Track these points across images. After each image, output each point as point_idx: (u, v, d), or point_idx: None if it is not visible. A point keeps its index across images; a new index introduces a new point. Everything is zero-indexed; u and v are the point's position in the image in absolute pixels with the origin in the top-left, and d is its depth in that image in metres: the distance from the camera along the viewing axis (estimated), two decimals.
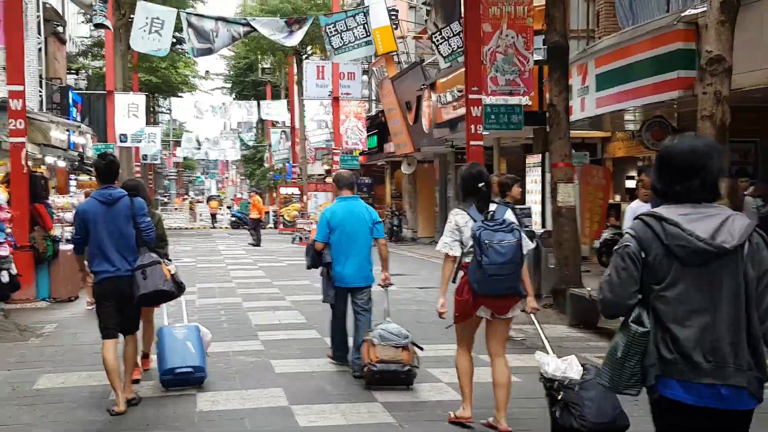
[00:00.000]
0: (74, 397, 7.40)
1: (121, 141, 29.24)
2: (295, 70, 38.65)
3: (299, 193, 37.67)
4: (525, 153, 20.79)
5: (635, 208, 9.15)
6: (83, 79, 39.37)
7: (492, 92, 15.09)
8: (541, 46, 16.93)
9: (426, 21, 16.39)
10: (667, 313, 3.19)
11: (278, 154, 44.39)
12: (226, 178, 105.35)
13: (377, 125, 31.76)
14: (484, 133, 15.17)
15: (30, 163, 19.82)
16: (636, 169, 14.15)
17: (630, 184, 18.56)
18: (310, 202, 32.31)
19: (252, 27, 15.61)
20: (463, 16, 15.23)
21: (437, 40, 15.66)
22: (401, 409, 6.91)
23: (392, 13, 27.70)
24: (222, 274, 18.87)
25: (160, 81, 42.73)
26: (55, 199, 16.25)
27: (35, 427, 6.53)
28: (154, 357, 8.14)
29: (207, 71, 57.29)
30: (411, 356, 7.54)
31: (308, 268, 8.49)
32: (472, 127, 14.73)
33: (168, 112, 61.33)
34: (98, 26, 14.96)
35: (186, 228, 44.38)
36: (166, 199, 74.41)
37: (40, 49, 26.85)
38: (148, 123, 37.83)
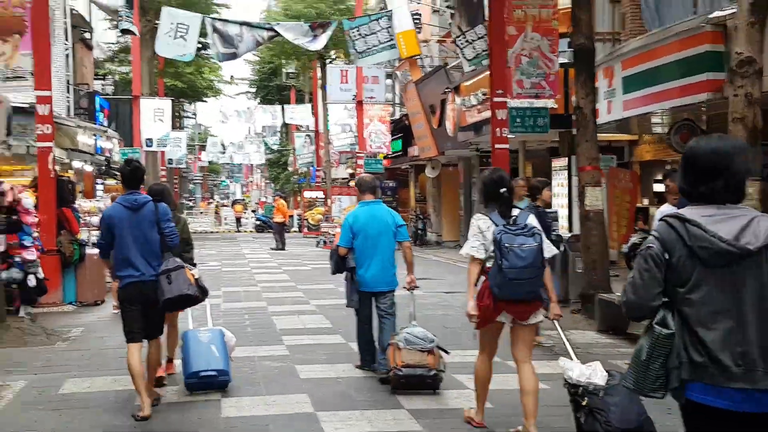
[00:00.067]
0: (99, 401, 7.41)
1: (147, 145, 29.39)
2: (319, 74, 38.68)
3: (323, 197, 37.69)
4: (551, 156, 20.61)
5: (665, 211, 8.98)
6: (110, 85, 39.62)
7: (517, 95, 14.99)
8: (566, 48, 16.82)
9: (450, 24, 16.26)
10: (693, 316, 3.16)
11: (302, 158, 44.47)
12: (251, 182, 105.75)
13: (401, 129, 31.69)
14: (509, 136, 15.09)
15: (57, 167, 20.04)
16: (663, 173, 13.99)
17: (658, 187, 18.33)
18: (334, 205, 32.29)
19: (276, 32, 15.60)
20: (487, 19, 15.14)
21: (461, 44, 15.55)
22: (427, 417, 6.84)
23: (416, 17, 27.65)
24: (247, 277, 18.89)
25: (185, 86, 42.91)
26: (81, 203, 16.37)
27: None
28: (178, 362, 8.16)
29: (232, 76, 57.48)
30: (437, 360, 7.51)
31: (333, 273, 8.51)
32: (498, 130, 14.67)
33: (193, 116, 61.64)
34: (124, 32, 15.03)
35: (211, 232, 44.55)
36: (191, 203, 74.73)
37: (67, 55, 27.03)
38: (173, 127, 37.97)
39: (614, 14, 17.95)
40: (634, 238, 16.18)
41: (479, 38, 15.23)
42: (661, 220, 3.29)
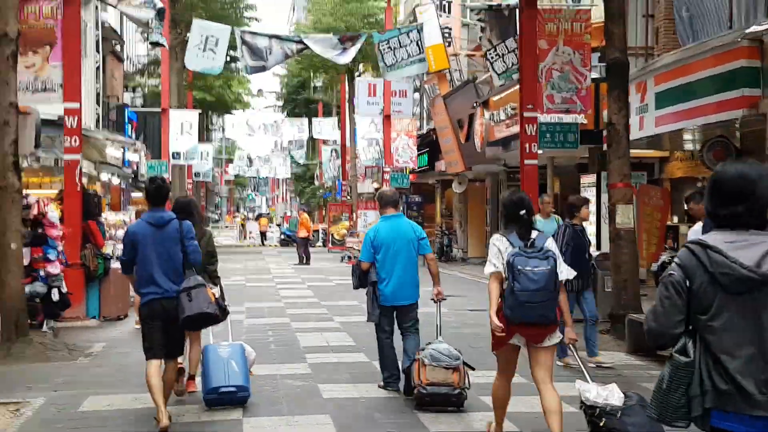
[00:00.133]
0: (119, 421, 7.27)
1: (174, 158, 29.42)
2: (347, 88, 38.67)
3: (348, 212, 37.60)
4: (579, 172, 20.36)
5: (698, 230, 8.82)
6: (139, 97, 39.90)
7: (548, 110, 14.81)
8: (596, 63, 16.61)
9: (480, 38, 16.11)
10: (715, 343, 3.16)
11: (328, 171, 44.45)
12: (277, 195, 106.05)
13: (428, 143, 31.55)
14: (538, 152, 14.88)
15: (85, 180, 20.08)
16: (685, 196, 13.85)
17: (699, 189, 17.99)
18: (360, 220, 32.15)
19: (305, 44, 15.48)
20: (518, 32, 14.96)
21: (492, 57, 15.39)
22: None
23: (445, 30, 27.56)
24: (271, 293, 18.78)
25: (214, 99, 43.10)
26: (107, 217, 16.33)
27: None
28: (199, 380, 8.03)
29: (260, 90, 57.85)
30: (462, 378, 7.47)
31: (355, 288, 8.50)
32: (527, 145, 14.46)
33: (221, 129, 61.94)
34: (154, 44, 14.94)
35: (236, 246, 44.56)
36: (217, 216, 75.00)
37: (97, 68, 27.20)
38: (201, 140, 38.16)
39: (647, 29, 17.72)
40: (664, 257, 15.92)
41: (510, 52, 15.07)
42: (683, 246, 3.31)
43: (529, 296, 5.69)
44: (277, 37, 15.60)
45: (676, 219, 18.79)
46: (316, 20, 35.58)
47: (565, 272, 6.01)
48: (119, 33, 32.59)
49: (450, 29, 28.81)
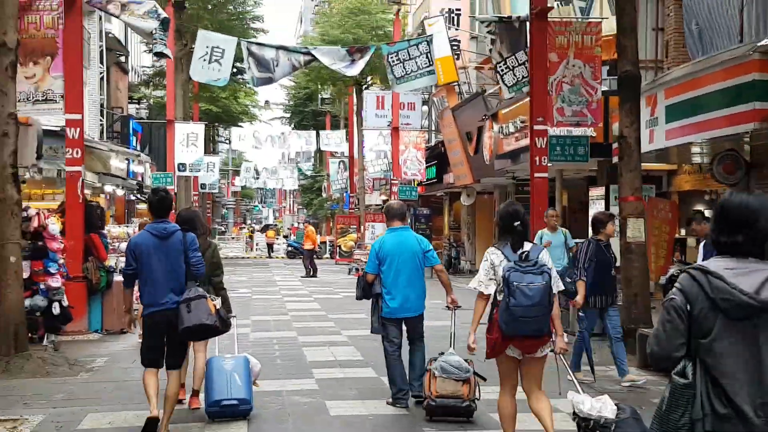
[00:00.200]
0: None
1: (179, 170, 29.30)
2: (355, 100, 38.58)
3: (356, 224, 37.42)
4: (588, 185, 20.19)
5: (709, 244, 8.66)
6: (144, 109, 39.87)
7: (558, 123, 14.67)
8: (606, 76, 16.47)
9: (490, 50, 15.93)
10: (715, 367, 3.24)
11: (336, 183, 44.34)
12: (284, 207, 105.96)
13: (436, 156, 31.43)
14: (548, 164, 14.72)
15: (89, 192, 19.94)
16: (687, 218, 13.76)
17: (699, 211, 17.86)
18: (368, 232, 31.98)
19: (313, 56, 15.31)
20: (528, 45, 14.82)
21: (502, 70, 15.22)
22: None
23: (454, 43, 27.43)
24: (278, 306, 18.63)
25: (220, 111, 43.05)
26: (110, 229, 16.18)
27: None
28: (203, 396, 7.91)
29: (267, 101, 57.71)
30: (472, 389, 7.57)
31: (358, 299, 8.62)
32: (537, 158, 14.32)
33: (227, 141, 61.92)
34: (158, 55, 14.77)
35: (242, 257, 44.44)
36: (223, 228, 74.88)
37: (101, 79, 27.15)
38: (207, 152, 38.02)
39: (657, 42, 17.57)
40: (673, 270, 15.72)
41: (520, 65, 14.91)
42: (684, 272, 3.39)
43: (524, 311, 5.76)
44: (285, 48, 15.45)
45: (683, 232, 18.61)
46: (324, 32, 35.49)
47: (556, 284, 6.07)
48: (124, 44, 32.60)
49: (459, 42, 28.71)
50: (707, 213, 13.41)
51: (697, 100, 12.66)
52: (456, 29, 29.01)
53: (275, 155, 55.56)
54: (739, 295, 3.18)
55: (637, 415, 5.73)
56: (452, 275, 27.45)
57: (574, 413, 5.75)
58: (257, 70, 14.99)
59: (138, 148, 29.90)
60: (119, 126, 29.38)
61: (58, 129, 15.52)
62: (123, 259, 12.80)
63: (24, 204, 11.11)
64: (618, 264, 12.45)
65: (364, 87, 36.47)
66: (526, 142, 18.70)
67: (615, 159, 15.84)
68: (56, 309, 11.10)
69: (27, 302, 10.81)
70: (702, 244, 10.53)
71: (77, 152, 13.29)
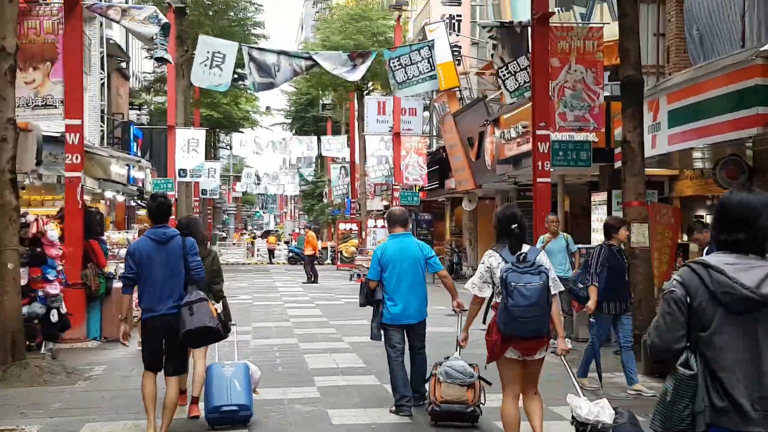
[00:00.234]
0: None
1: (180, 176, 29.21)
2: (356, 105, 38.52)
3: (357, 228, 37.30)
4: (590, 190, 20.12)
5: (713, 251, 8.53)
6: (145, 115, 39.80)
7: (560, 128, 14.60)
8: (607, 81, 16.42)
9: (492, 55, 15.89)
10: (714, 360, 3.27)
11: (337, 189, 44.26)
12: (285, 213, 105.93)
13: (438, 161, 31.36)
14: (550, 170, 14.65)
15: (89, 197, 19.84)
16: (687, 226, 13.69)
17: (700, 220, 17.79)
18: (369, 237, 31.87)
19: (314, 61, 15.24)
20: (530, 50, 14.75)
21: (503, 75, 15.16)
22: None
23: (455, 49, 27.40)
24: (279, 312, 18.51)
25: (221, 116, 42.99)
26: (110, 235, 16.07)
27: None
28: (202, 404, 7.85)
29: (268, 107, 57.68)
30: (477, 395, 7.60)
31: (361, 305, 8.61)
32: (540, 163, 14.24)
33: (228, 147, 61.87)
34: (159, 60, 14.71)
35: (243, 263, 44.37)
36: (224, 234, 74.80)
37: (102, 84, 27.09)
38: (208, 158, 37.95)
39: (658, 47, 17.52)
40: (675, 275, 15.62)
41: (522, 69, 14.86)
42: (684, 265, 3.46)
43: (522, 311, 5.80)
44: (286, 53, 15.38)
45: (685, 237, 18.53)
46: (325, 38, 35.47)
47: (554, 285, 6.11)
48: (125, 50, 32.54)
49: (459, 47, 28.68)
50: (708, 219, 13.34)
51: (700, 105, 12.58)
52: (457, 35, 28.98)
53: (276, 161, 55.53)
54: (740, 289, 3.22)
55: (634, 420, 5.78)
56: (454, 280, 27.29)
57: (573, 417, 5.75)
58: (258, 75, 14.92)
59: (138, 154, 29.82)
60: (120, 132, 29.31)
61: (58, 135, 15.43)
62: (123, 265, 12.78)
63: (23, 210, 11.02)
64: None
65: (365, 93, 36.41)
66: (527, 147, 18.62)
67: (617, 164, 15.81)
68: (54, 316, 11.00)
69: (25, 309, 10.71)
70: (705, 251, 10.46)
71: (77, 158, 13.19)
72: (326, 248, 43.36)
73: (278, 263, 44.98)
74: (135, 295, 7.18)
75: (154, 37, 13.33)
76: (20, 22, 11.28)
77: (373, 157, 34.38)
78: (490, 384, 7.61)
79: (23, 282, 10.66)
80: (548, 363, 6.86)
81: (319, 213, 58.41)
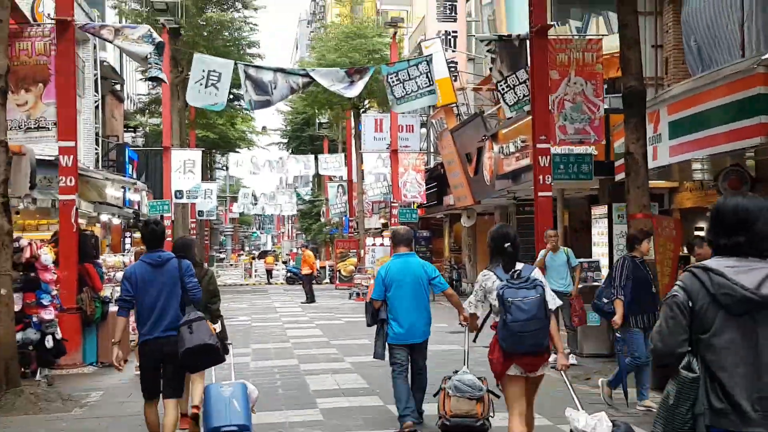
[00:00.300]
0: None
1: (176, 197, 28.98)
2: (353, 123, 38.40)
3: (355, 249, 37.08)
4: (590, 204, 19.96)
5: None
6: (141, 137, 39.62)
7: (561, 141, 14.45)
8: (606, 94, 16.30)
9: (490, 69, 15.77)
10: (715, 362, 3.31)
11: (335, 207, 44.06)
12: (282, 233, 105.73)
13: (436, 177, 31.23)
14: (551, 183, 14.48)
15: (84, 221, 19.61)
16: (687, 243, 13.56)
17: (699, 234, 17.66)
18: (368, 256, 31.65)
19: (311, 78, 15.08)
20: (529, 63, 14.62)
21: (502, 89, 15.02)
22: None
23: (451, 65, 27.30)
24: (278, 333, 18.31)
25: (217, 137, 42.80)
26: (106, 258, 15.86)
27: None
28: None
29: (264, 127, 57.53)
30: (486, 408, 7.71)
31: (368, 325, 8.67)
32: (541, 177, 14.07)
33: (224, 168, 61.72)
34: (153, 79, 14.56)
35: (241, 284, 44.17)
36: (221, 255, 74.57)
37: (96, 107, 26.92)
38: (204, 179, 37.72)
39: (657, 59, 17.43)
40: None
41: (521, 83, 14.71)
42: (686, 270, 3.50)
43: (522, 326, 5.87)
44: (282, 70, 15.23)
45: (686, 249, 18.39)
46: (320, 57, 35.33)
47: (551, 301, 6.15)
48: (119, 72, 32.42)
49: (456, 63, 28.57)
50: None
51: (701, 116, 12.46)
52: (453, 51, 28.89)
53: (273, 180, 55.39)
54: (740, 290, 3.26)
55: (631, 431, 5.87)
56: None
57: (571, 430, 5.82)
58: (255, 93, 14.75)
59: (134, 176, 29.62)
60: (115, 154, 29.12)
61: (53, 158, 15.23)
62: (119, 288, 12.58)
63: (16, 235, 10.82)
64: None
65: (361, 111, 36.30)
66: (526, 161, 18.47)
67: (618, 177, 15.67)
68: (49, 342, 10.80)
69: (19, 336, 10.51)
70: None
71: (71, 180, 13.00)
72: (324, 267, 43.13)
73: (276, 283, 44.77)
74: (132, 318, 7.18)
75: (149, 56, 13.19)
76: (11, 43, 11.16)
77: (371, 175, 34.21)
78: (498, 397, 7.45)
79: (17, 308, 10.48)
80: (554, 380, 6.74)
81: (317, 232, 58.20)
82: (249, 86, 14.84)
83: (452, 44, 29.15)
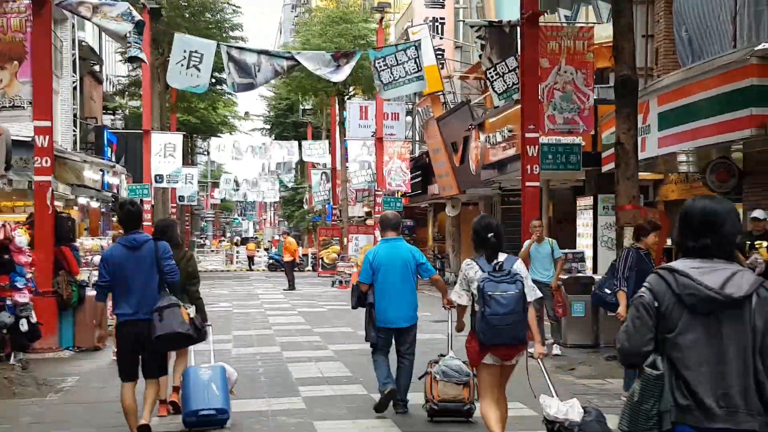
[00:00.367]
0: None
1: (156, 181, 28.61)
2: (337, 110, 38.09)
3: (338, 236, 36.86)
4: (575, 195, 19.86)
5: None
6: (120, 119, 39.15)
7: (549, 131, 14.27)
8: (594, 85, 16.16)
9: (480, 56, 15.55)
10: (680, 360, 3.38)
11: (318, 195, 43.79)
12: (264, 219, 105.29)
13: (421, 166, 31.05)
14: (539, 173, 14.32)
15: (62, 203, 19.28)
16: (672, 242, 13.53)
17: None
18: (351, 244, 31.47)
19: (296, 61, 14.76)
20: (519, 51, 14.40)
21: (491, 76, 14.78)
22: None
23: (438, 52, 27.06)
24: (260, 320, 18.12)
25: (198, 122, 42.33)
26: (83, 242, 15.57)
27: None
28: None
29: (246, 112, 57.12)
30: (472, 392, 7.82)
31: (353, 307, 8.74)
32: (529, 167, 13.88)
33: (206, 153, 61.24)
34: (133, 60, 14.20)
35: (222, 271, 43.93)
36: (202, 241, 74.12)
37: (74, 88, 26.50)
38: (185, 164, 37.26)
39: (647, 49, 17.29)
40: None
41: (510, 71, 14.47)
42: (652, 272, 3.57)
43: (500, 320, 6.00)
44: (267, 52, 14.91)
45: (669, 242, 18.36)
46: (305, 42, 34.93)
47: (531, 293, 6.29)
48: (98, 53, 31.93)
49: (443, 51, 28.36)
50: None
51: (691, 107, 12.39)
52: (440, 38, 28.67)
53: (255, 166, 54.97)
54: (704, 290, 3.33)
55: (602, 418, 6.01)
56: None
57: (544, 417, 5.94)
58: (238, 76, 14.42)
59: (113, 159, 29.22)
60: (93, 137, 28.72)
61: (29, 139, 14.94)
62: (96, 272, 12.33)
63: None
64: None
65: (346, 97, 35.99)
66: (513, 151, 18.32)
67: (604, 168, 15.54)
68: (24, 326, 10.53)
69: None
70: None
71: (46, 161, 12.70)
72: (307, 255, 42.88)
73: (258, 270, 44.57)
74: (110, 303, 7.15)
75: (128, 35, 12.86)
76: None
77: (356, 163, 33.98)
78: None
79: None
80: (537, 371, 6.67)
81: (300, 219, 57.92)
82: (232, 68, 14.51)
83: (439, 31, 28.94)
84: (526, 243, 12.73)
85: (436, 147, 27.39)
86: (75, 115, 26.43)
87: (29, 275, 11.18)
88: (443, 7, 29.34)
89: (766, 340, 3.39)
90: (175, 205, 38.17)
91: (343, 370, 11.11)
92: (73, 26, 25.92)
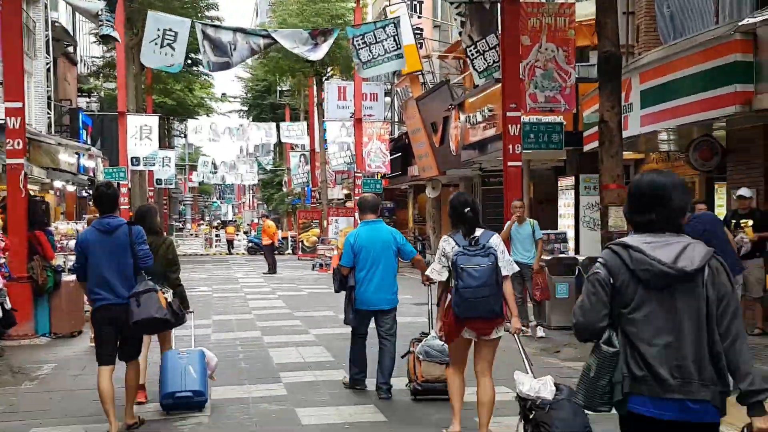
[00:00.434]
0: None
1: (133, 164, 28.16)
2: (315, 91, 37.74)
3: (317, 219, 36.64)
4: (556, 175, 19.74)
5: None
6: (95, 101, 38.61)
7: (531, 110, 14.10)
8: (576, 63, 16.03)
9: (460, 33, 15.34)
10: (635, 334, 3.44)
11: (297, 177, 43.49)
12: (243, 203, 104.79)
13: (400, 148, 30.83)
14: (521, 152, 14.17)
15: (36, 187, 18.93)
16: None
17: None
18: (331, 227, 31.27)
19: (273, 39, 14.49)
20: (500, 28, 14.20)
21: (472, 54, 14.60)
22: None
23: (417, 32, 26.81)
24: (240, 304, 17.92)
25: (175, 103, 41.80)
26: (58, 226, 15.25)
27: None
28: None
29: (224, 94, 56.56)
30: None
31: (336, 291, 8.73)
32: (510, 147, 13.71)
33: (183, 136, 60.66)
34: (105, 38, 13.91)
35: (202, 255, 43.64)
36: (181, 225, 73.65)
37: (48, 70, 26.03)
38: (162, 146, 36.82)
39: (628, 26, 17.14)
40: None
41: (491, 48, 14.28)
42: (606, 247, 3.62)
43: (473, 292, 6.05)
44: (243, 30, 14.60)
45: None
46: (282, 21, 34.49)
47: (507, 267, 6.33)
48: (72, 34, 31.37)
49: (422, 30, 28.10)
50: None
51: (674, 84, 12.26)
52: (419, 17, 28.40)
53: (233, 149, 54.50)
54: (657, 265, 3.39)
55: (573, 395, 5.88)
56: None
57: (517, 393, 5.99)
58: (213, 54, 14.13)
59: (89, 142, 28.81)
60: (68, 119, 28.27)
61: (2, 122, 14.58)
62: (72, 257, 12.10)
63: None
64: (580, 254, 11.99)
65: (324, 78, 35.66)
66: (493, 131, 18.16)
67: (586, 147, 15.43)
68: None
69: None
70: None
71: (18, 143, 12.38)
72: (287, 238, 42.63)
73: (238, 254, 44.32)
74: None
75: (100, 12, 12.57)
76: None
77: (335, 144, 33.69)
78: None
79: None
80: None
81: (279, 202, 57.57)
82: (207, 47, 14.21)
83: (418, 10, 28.65)
84: (507, 224, 12.60)
85: (416, 128, 27.17)
86: (49, 98, 25.99)
87: (2, 260, 10.96)
88: None
89: (719, 311, 3.45)
90: (152, 188, 37.75)
91: (325, 355, 10.94)
92: (46, 6, 25.43)
